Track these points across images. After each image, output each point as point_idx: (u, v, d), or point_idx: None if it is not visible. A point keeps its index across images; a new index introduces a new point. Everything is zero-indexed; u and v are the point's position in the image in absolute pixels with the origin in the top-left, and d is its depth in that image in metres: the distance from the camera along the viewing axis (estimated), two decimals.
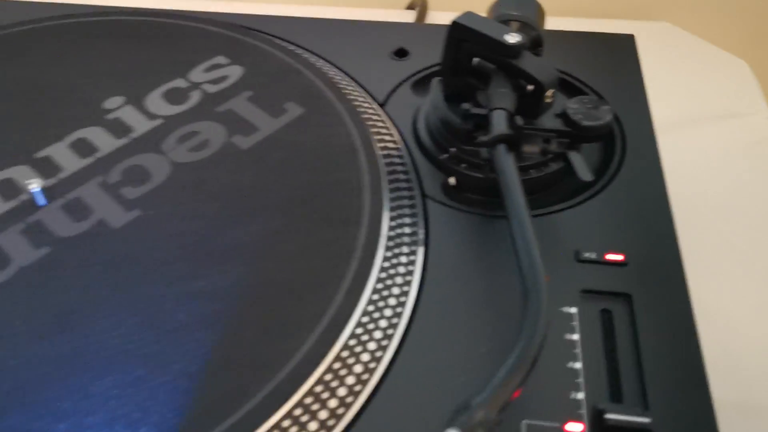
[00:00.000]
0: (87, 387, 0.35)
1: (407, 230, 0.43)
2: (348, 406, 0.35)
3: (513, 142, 0.41)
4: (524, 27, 0.47)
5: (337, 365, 0.36)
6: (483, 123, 0.44)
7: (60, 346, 0.36)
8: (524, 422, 0.35)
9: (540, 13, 0.49)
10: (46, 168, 0.45)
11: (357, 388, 0.36)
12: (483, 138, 0.42)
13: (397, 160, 0.47)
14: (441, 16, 0.74)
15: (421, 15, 0.74)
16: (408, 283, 0.40)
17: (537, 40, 0.47)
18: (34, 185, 0.43)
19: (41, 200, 0.43)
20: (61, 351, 0.36)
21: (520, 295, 0.35)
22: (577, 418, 0.35)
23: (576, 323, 0.38)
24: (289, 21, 0.61)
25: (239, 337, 0.37)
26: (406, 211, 0.44)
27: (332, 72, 0.54)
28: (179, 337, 0.37)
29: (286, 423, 0.34)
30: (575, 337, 0.38)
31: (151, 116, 0.49)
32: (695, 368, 0.36)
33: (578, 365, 0.37)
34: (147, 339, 0.37)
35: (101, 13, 0.59)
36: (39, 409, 0.34)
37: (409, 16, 0.77)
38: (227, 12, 0.60)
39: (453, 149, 0.46)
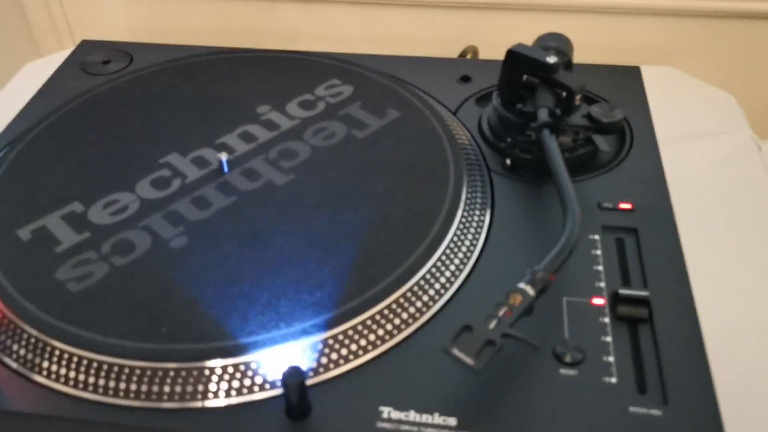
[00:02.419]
0: (279, 272, 0.53)
1: (479, 187, 0.61)
2: (441, 294, 0.53)
3: (554, 127, 0.60)
4: (559, 53, 0.66)
5: (433, 270, 0.54)
6: (531, 118, 0.63)
7: (257, 250, 0.55)
8: (564, 299, 0.53)
9: (570, 45, 0.69)
10: (224, 150, 0.65)
11: (447, 285, 0.54)
12: (533, 124, 0.61)
13: (468, 147, 0.66)
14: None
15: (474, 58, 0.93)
16: (482, 220, 0.59)
17: (568, 63, 0.67)
18: (224, 156, 0.62)
19: (226, 168, 0.63)
20: (258, 253, 0.55)
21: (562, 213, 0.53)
22: (600, 296, 0.53)
23: (598, 244, 0.57)
24: (375, 57, 0.81)
25: (373, 247, 0.55)
26: (477, 176, 0.63)
27: (415, 90, 0.74)
28: (334, 245, 0.55)
29: (402, 299, 0.52)
30: (598, 252, 0.56)
31: (292, 118, 0.69)
32: (679, 269, 0.54)
33: (600, 268, 0.55)
34: (312, 247, 0.55)
35: (244, 50, 0.80)
36: (251, 284, 0.52)
37: None
38: (330, 51, 0.80)
39: (509, 139, 0.65)
